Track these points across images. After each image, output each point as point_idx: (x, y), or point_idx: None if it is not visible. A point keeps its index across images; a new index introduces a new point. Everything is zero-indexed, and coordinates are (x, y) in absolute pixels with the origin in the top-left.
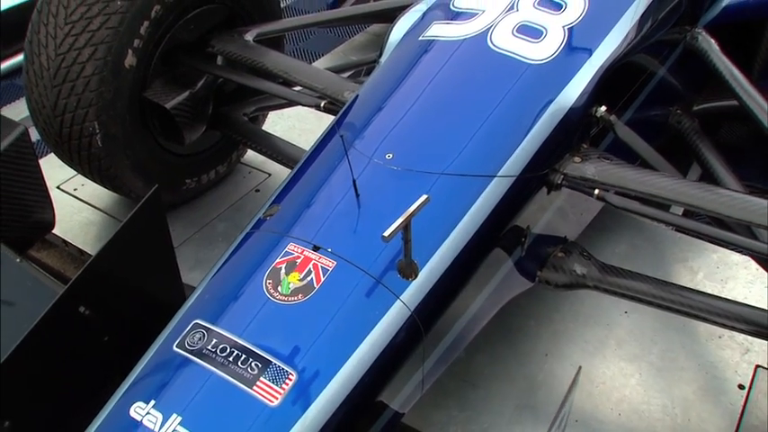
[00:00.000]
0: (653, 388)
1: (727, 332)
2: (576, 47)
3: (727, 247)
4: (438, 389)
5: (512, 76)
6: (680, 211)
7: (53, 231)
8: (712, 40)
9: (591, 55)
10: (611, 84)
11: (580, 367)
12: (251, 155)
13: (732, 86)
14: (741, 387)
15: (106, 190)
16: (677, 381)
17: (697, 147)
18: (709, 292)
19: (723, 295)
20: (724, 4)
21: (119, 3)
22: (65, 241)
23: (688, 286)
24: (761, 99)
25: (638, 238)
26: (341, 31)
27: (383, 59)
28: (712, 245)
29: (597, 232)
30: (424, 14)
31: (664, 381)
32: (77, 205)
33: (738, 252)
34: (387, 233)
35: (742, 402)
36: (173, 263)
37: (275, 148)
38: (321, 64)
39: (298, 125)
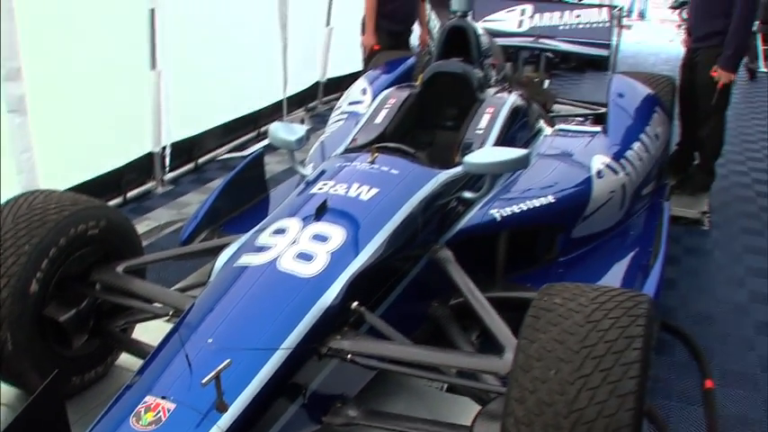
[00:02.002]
0: None
1: None
2: (334, 264)
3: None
4: None
5: (290, 288)
6: None
7: None
8: (449, 253)
9: (345, 269)
10: (364, 286)
11: None
12: (124, 357)
13: (461, 289)
14: None
15: (12, 390)
16: None
17: (448, 329)
18: None
19: None
20: (459, 227)
21: (26, 248)
22: None
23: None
24: (483, 301)
25: (414, 399)
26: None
27: (210, 280)
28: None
29: (382, 397)
30: (239, 248)
31: None
32: None
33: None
34: (203, 381)
35: None
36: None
37: (141, 353)
38: (182, 284)
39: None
